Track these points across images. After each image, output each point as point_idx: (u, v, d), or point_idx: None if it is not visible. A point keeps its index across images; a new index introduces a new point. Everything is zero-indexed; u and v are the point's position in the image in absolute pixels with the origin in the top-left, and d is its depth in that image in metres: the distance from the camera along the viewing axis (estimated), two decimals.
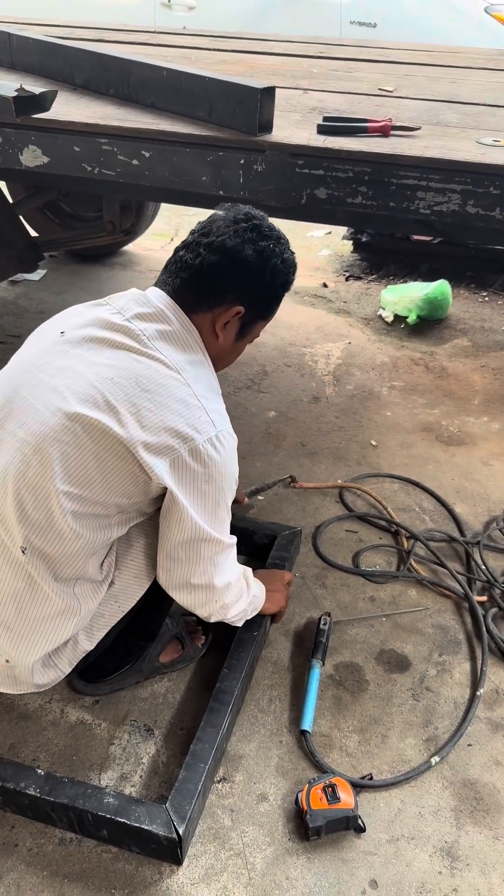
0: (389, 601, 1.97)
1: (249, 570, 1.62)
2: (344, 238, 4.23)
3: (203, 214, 1.44)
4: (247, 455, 2.50)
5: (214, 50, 2.74)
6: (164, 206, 3.87)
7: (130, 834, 1.37)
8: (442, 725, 1.65)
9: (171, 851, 1.36)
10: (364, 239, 4.02)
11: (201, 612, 1.50)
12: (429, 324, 3.43)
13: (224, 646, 1.70)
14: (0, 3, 4.27)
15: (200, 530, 1.35)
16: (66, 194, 3.54)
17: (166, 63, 1.92)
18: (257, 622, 1.71)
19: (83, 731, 1.62)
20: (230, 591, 1.49)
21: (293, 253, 1.44)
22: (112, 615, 1.48)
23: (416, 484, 2.39)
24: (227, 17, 4.28)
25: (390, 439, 2.64)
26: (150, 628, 1.66)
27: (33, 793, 1.39)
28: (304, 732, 1.60)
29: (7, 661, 1.39)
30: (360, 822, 1.42)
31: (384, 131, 1.71)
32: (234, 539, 1.46)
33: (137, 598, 1.49)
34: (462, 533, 2.19)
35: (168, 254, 1.43)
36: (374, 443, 2.62)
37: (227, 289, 1.37)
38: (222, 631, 1.71)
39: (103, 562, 1.43)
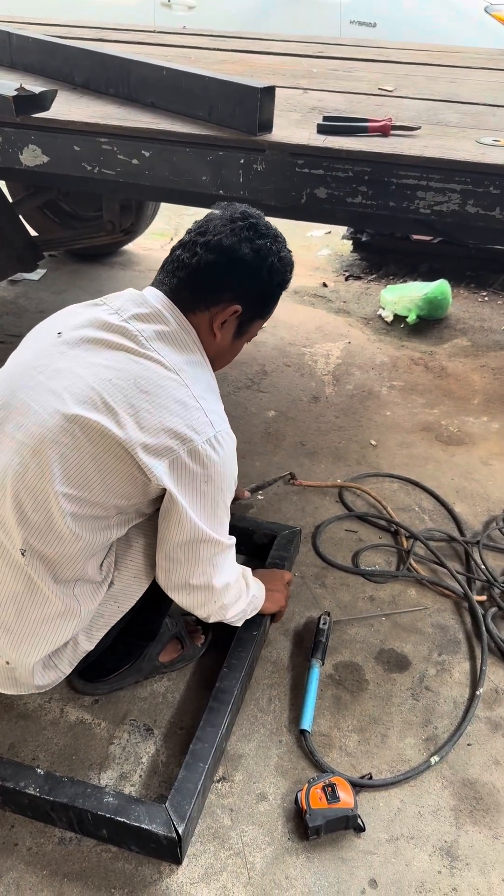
0: (389, 601, 1.97)
1: (249, 570, 1.62)
2: (344, 238, 4.23)
3: (202, 214, 1.44)
4: (246, 455, 2.51)
5: (214, 49, 2.74)
6: (163, 205, 3.87)
7: (130, 833, 1.37)
8: (441, 725, 1.65)
9: (170, 851, 1.36)
10: (364, 238, 4.02)
11: (200, 613, 1.50)
12: (428, 323, 3.43)
13: (224, 645, 1.70)
14: (0, 2, 4.27)
15: (199, 531, 1.34)
16: (65, 194, 3.54)
17: (166, 62, 1.92)
18: (257, 622, 1.71)
19: (83, 730, 1.62)
20: (229, 591, 1.49)
21: (290, 251, 1.44)
22: (112, 615, 1.48)
23: (416, 483, 2.39)
24: (226, 16, 4.28)
25: (390, 439, 2.64)
26: (149, 628, 1.66)
27: (33, 792, 1.39)
28: (303, 732, 1.60)
29: (7, 662, 1.39)
30: (359, 821, 1.42)
31: (384, 131, 1.71)
32: (233, 540, 1.46)
33: (137, 599, 1.49)
34: (462, 532, 2.20)
35: (167, 253, 1.43)
36: (373, 442, 2.62)
37: (225, 288, 1.37)
38: (222, 630, 1.71)
39: (103, 563, 1.43)
